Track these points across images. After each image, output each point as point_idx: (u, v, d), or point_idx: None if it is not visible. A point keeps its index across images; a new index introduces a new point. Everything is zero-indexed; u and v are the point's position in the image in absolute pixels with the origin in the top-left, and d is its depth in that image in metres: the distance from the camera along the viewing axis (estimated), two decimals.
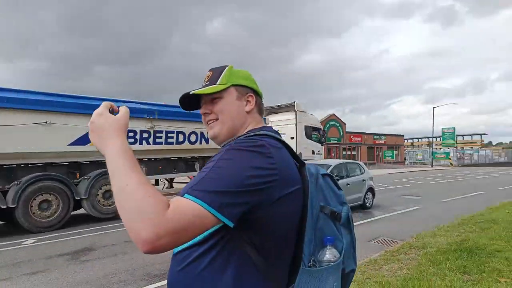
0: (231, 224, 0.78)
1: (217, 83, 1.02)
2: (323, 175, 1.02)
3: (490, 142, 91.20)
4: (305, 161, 1.03)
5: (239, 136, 0.99)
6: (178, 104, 1.09)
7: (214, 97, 1.02)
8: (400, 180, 19.22)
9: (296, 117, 13.99)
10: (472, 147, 52.04)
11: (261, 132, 0.96)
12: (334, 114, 37.44)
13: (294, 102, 14.23)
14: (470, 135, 64.74)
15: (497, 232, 5.48)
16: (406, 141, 56.52)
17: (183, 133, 9.86)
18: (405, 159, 44.41)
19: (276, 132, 1.02)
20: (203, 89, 1.02)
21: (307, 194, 0.93)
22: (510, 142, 68.82)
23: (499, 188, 14.59)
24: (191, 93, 1.01)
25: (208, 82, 1.04)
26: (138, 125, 8.77)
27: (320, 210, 0.96)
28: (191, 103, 1.08)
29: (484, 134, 70.08)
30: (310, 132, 14.60)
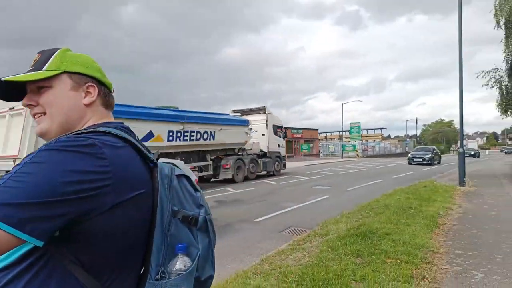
0: (39, 243, 0.64)
1: (44, 68, 0.83)
2: (179, 176, 0.92)
3: (389, 136, 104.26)
4: (159, 161, 0.91)
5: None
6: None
7: (40, 86, 0.83)
8: (314, 171, 20.63)
9: (266, 118, 17.15)
10: (374, 140, 58.78)
11: (98, 128, 0.80)
12: None
13: (264, 106, 17.57)
14: (372, 129, 73.04)
15: (388, 216, 6.18)
16: (320, 134, 60.98)
17: (200, 132, 12.92)
18: (319, 151, 47.99)
19: (124, 128, 0.87)
20: (22, 75, 0.81)
21: (156, 198, 0.83)
22: (405, 135, 79.74)
23: (393, 176, 16.70)
24: (2, 79, 0.80)
25: (32, 67, 0.84)
26: (174, 127, 11.73)
27: (172, 215, 0.86)
28: (12, 92, 0.87)
29: (384, 128, 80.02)
30: (276, 130, 17.92)
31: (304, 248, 4.57)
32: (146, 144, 5.54)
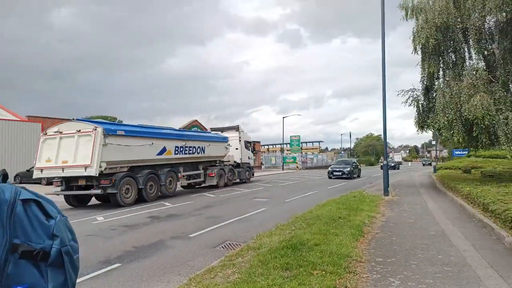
0: None
1: None
2: (25, 200, 0.76)
3: (327, 148, 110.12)
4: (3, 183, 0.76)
5: None
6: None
7: None
8: (255, 183, 20.80)
9: (239, 135, 20.91)
10: (313, 153, 61.62)
11: None
12: (196, 120, 37.84)
13: (238, 125, 21.42)
14: (311, 142, 76.68)
15: (319, 227, 6.37)
16: (262, 147, 62.10)
17: (195, 147, 16.23)
18: (261, 163, 48.74)
19: None
20: None
21: None
22: (340, 148, 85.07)
23: (328, 187, 17.53)
24: None
25: None
26: (179, 144, 14.94)
27: (11, 250, 0.71)
28: None
29: (321, 141, 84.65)
30: (247, 145, 21.83)
31: (234, 264, 4.47)
32: (161, 156, 13.44)
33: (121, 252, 5.85)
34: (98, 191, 11.44)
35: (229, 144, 19.37)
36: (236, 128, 21.37)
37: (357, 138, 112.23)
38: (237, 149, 20.60)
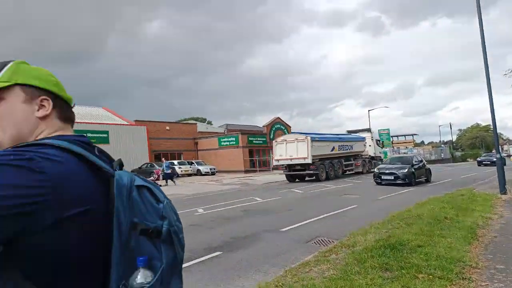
0: None
1: None
2: (139, 186, 0.87)
3: (423, 142, 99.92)
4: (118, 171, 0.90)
5: None
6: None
7: None
8: (341, 179, 20.13)
9: (371, 135, 27.29)
10: (406, 147, 56.58)
11: (43, 141, 0.78)
12: (279, 117, 38.29)
13: (369, 128, 28.95)
14: (403, 135, 70.26)
15: (420, 227, 5.83)
16: None
17: (347, 146, 23.35)
18: None
19: (78, 141, 0.84)
20: None
21: (112, 211, 0.78)
22: (439, 141, 75.98)
23: (428, 185, 15.89)
24: None
25: None
26: (340, 144, 22.42)
27: (132, 228, 0.82)
28: None
29: (416, 134, 76.51)
30: (377, 142, 27.96)
31: (329, 260, 4.39)
32: (332, 152, 22.83)
33: (221, 242, 6.31)
34: (310, 172, 19.60)
35: (366, 143, 25.91)
36: (368, 130, 28.70)
37: (459, 130, 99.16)
38: (370, 146, 26.65)
